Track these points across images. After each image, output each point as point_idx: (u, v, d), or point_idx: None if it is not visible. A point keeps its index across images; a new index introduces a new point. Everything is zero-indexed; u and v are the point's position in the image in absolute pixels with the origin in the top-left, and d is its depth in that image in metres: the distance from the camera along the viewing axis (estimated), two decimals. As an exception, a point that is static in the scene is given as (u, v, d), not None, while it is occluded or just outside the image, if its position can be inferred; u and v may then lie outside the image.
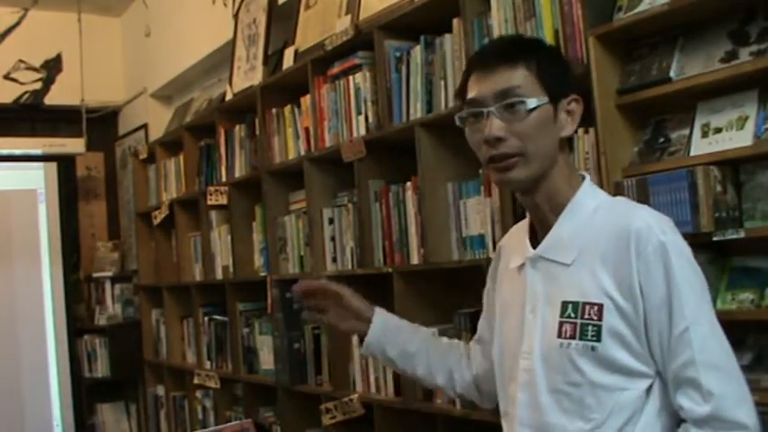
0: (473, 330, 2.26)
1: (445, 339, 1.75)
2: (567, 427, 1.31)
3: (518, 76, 1.32)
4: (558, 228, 1.36)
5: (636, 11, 1.86)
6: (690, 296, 1.25)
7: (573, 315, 1.30)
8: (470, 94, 1.37)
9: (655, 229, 1.27)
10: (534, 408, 1.35)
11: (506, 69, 1.32)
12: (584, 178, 1.40)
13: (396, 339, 1.66)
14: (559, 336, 1.31)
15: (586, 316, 1.29)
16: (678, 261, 1.26)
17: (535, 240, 1.41)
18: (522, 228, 1.49)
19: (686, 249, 1.29)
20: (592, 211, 1.35)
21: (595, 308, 1.28)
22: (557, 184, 1.37)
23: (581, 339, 1.29)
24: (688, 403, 1.24)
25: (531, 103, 1.31)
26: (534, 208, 1.40)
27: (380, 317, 1.66)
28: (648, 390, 1.29)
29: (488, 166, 1.36)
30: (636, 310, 1.26)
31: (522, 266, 1.42)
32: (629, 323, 1.27)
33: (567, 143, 1.40)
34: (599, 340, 1.27)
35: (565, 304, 1.32)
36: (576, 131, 1.42)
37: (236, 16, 3.86)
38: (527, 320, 1.38)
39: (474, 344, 1.68)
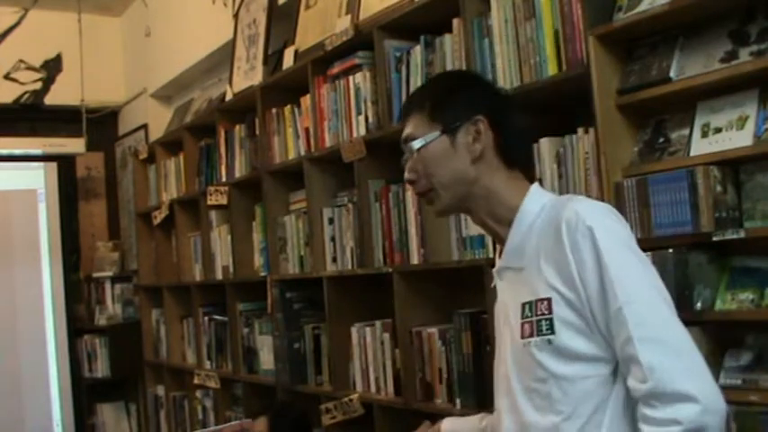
0: (473, 330, 2.27)
1: None
2: (541, 423, 1.35)
3: (411, 124, 1.49)
4: (510, 237, 1.44)
5: (636, 11, 1.86)
6: (620, 275, 1.27)
7: (529, 314, 1.36)
8: None
9: (581, 215, 1.31)
10: (513, 410, 1.41)
11: (408, 119, 1.51)
12: (530, 186, 1.46)
13: (466, 425, 1.75)
14: (522, 336, 1.37)
15: (539, 312, 1.35)
16: (606, 243, 1.29)
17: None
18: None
19: (618, 231, 1.33)
20: (537, 214, 1.41)
21: (545, 302, 1.34)
22: (493, 199, 1.45)
23: (538, 335, 1.34)
24: (632, 382, 1.26)
25: (417, 144, 1.46)
26: (482, 225, 1.50)
27: (447, 424, 1.80)
28: (614, 374, 1.32)
29: None
30: (579, 298, 1.30)
31: (495, 282, 1.52)
32: (577, 312, 1.31)
33: (506, 158, 1.45)
34: (553, 332, 1.32)
35: (523, 306, 1.38)
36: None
37: (236, 16, 3.86)
38: (502, 331, 1.46)
39: None
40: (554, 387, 1.33)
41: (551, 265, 1.34)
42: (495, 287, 1.53)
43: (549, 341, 1.32)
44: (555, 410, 1.33)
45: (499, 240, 1.48)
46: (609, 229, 1.31)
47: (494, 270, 1.51)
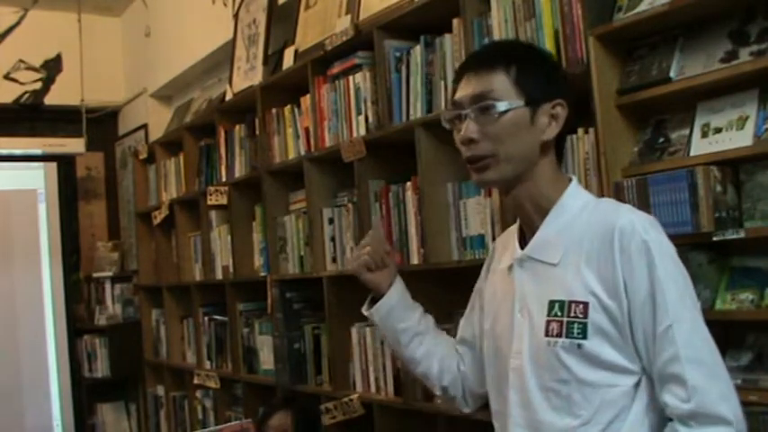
0: (473, 330, 2.27)
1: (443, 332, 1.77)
2: (557, 424, 1.33)
3: (493, 81, 1.37)
4: (544, 228, 1.40)
5: (636, 11, 1.86)
6: (673, 293, 1.26)
7: (559, 314, 1.33)
8: (455, 97, 1.43)
9: (638, 227, 1.29)
10: (525, 406, 1.37)
11: (485, 74, 1.38)
12: (570, 180, 1.43)
13: (405, 315, 1.69)
14: (547, 334, 1.34)
15: (572, 314, 1.31)
16: (661, 259, 1.28)
17: (524, 242, 1.44)
18: (513, 230, 1.52)
19: (669, 247, 1.31)
20: (577, 212, 1.38)
21: (581, 306, 1.31)
22: (539, 186, 1.40)
23: (567, 337, 1.31)
24: (672, 400, 1.25)
25: (502, 106, 1.35)
26: (517, 208, 1.44)
27: (400, 287, 1.71)
28: (636, 386, 1.31)
29: (468, 165, 1.42)
30: (620, 307, 1.28)
31: (511, 267, 1.46)
32: (614, 321, 1.29)
33: (555, 146, 1.42)
34: (585, 337, 1.30)
35: (552, 303, 1.34)
36: (563, 133, 1.43)
37: (236, 16, 3.86)
38: (516, 321, 1.41)
39: (458, 344, 1.70)
40: (576, 391, 1.31)
41: (593, 269, 1.31)
42: (505, 271, 1.47)
43: (579, 345, 1.30)
44: (573, 414, 1.31)
45: (529, 228, 1.43)
46: (663, 245, 1.30)
47: (515, 257, 1.43)
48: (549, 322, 1.34)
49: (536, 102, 1.37)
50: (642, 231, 1.29)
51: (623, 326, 1.28)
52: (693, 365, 1.24)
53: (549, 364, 1.33)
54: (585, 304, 1.30)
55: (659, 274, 1.26)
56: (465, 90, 1.40)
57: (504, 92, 1.36)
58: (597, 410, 1.30)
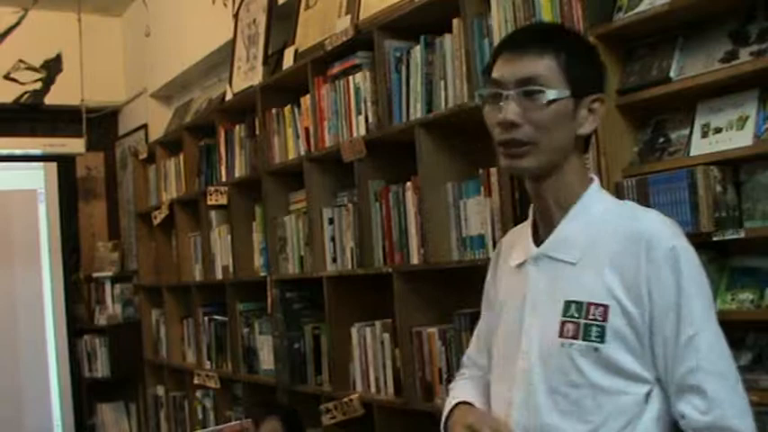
0: (473, 330, 2.27)
1: None
2: (565, 429, 1.28)
3: (543, 66, 1.30)
4: (563, 226, 1.35)
5: (636, 11, 1.86)
6: (698, 303, 1.24)
7: (576, 315, 1.29)
8: (495, 74, 1.34)
9: (666, 233, 1.27)
10: (530, 409, 1.32)
11: (533, 56, 1.30)
12: (593, 180, 1.39)
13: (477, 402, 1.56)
14: (561, 335, 1.29)
15: (591, 316, 1.27)
16: (687, 267, 1.25)
17: (538, 239, 1.40)
18: (521, 229, 1.48)
19: (694, 255, 1.28)
20: (600, 213, 1.34)
21: (600, 309, 1.27)
22: (566, 180, 1.35)
23: (584, 339, 1.27)
24: (690, 411, 1.23)
25: (551, 94, 1.28)
26: (539, 198, 1.38)
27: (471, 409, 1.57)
28: (647, 396, 1.27)
29: (499, 149, 1.34)
30: (642, 314, 1.25)
31: (522, 264, 1.41)
32: (633, 327, 1.26)
33: (584, 142, 1.38)
34: (602, 341, 1.26)
35: (568, 303, 1.30)
36: (594, 132, 1.41)
37: (236, 16, 3.86)
38: (526, 320, 1.36)
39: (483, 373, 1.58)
40: (587, 395, 1.27)
41: (617, 273, 1.27)
42: (513, 270, 1.43)
43: (596, 349, 1.26)
44: (583, 419, 1.27)
45: (546, 222, 1.38)
46: (689, 253, 1.27)
47: (530, 255, 1.38)
48: (563, 323, 1.29)
49: (580, 93, 1.31)
50: (670, 238, 1.26)
51: (642, 333, 1.25)
52: (715, 378, 1.22)
53: (560, 367, 1.29)
54: (606, 307, 1.27)
55: (685, 283, 1.23)
56: (510, 69, 1.31)
57: (553, 79, 1.29)
58: (608, 417, 1.26)
